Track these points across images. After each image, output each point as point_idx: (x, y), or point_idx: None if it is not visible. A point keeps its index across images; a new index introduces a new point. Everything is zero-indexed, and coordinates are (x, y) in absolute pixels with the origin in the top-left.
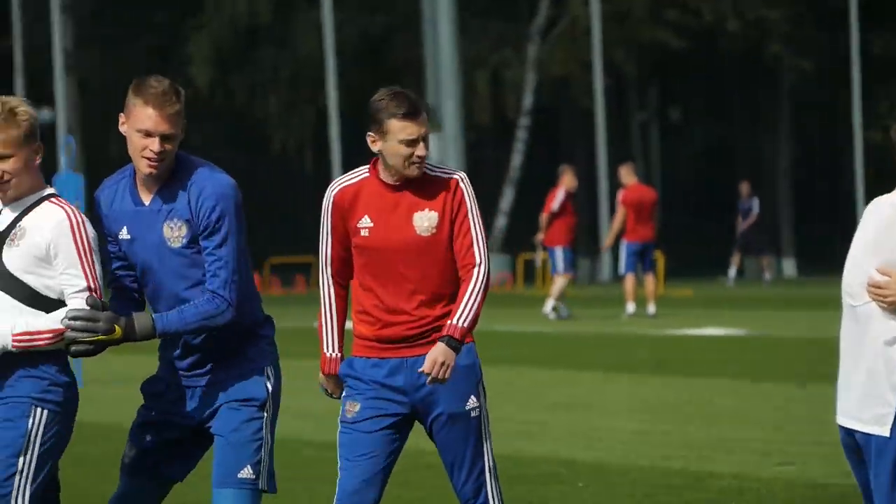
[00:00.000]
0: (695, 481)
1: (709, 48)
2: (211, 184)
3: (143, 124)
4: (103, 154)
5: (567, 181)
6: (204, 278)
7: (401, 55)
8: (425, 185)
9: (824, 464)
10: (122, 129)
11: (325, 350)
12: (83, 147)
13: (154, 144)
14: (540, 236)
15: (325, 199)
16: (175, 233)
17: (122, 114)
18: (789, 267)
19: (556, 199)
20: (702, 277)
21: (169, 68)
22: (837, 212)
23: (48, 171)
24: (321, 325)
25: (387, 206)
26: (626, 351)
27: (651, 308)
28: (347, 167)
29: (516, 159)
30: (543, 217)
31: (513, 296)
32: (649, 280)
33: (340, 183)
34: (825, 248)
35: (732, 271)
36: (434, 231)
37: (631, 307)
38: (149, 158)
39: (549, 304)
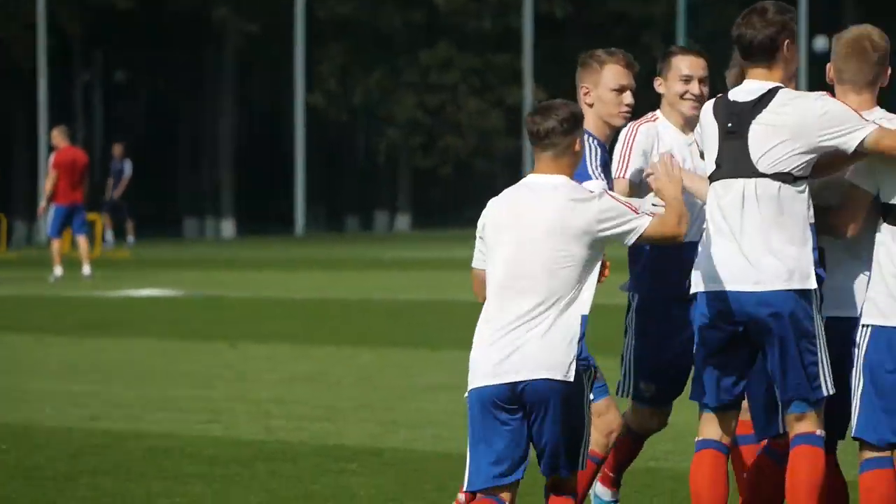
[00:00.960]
0: (119, 441)
1: (155, 10)
2: None
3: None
4: None
5: None
6: None
7: None
8: None
9: (250, 421)
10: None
11: None
12: None
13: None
14: None
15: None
16: None
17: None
18: (228, 228)
19: None
20: (158, 238)
21: None
22: (275, 175)
23: None
24: None
25: None
26: (58, 313)
27: (86, 270)
28: None
29: None
30: None
31: None
32: (82, 242)
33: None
34: (265, 210)
35: (109, 234)
36: None
37: (59, 270)
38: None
39: None
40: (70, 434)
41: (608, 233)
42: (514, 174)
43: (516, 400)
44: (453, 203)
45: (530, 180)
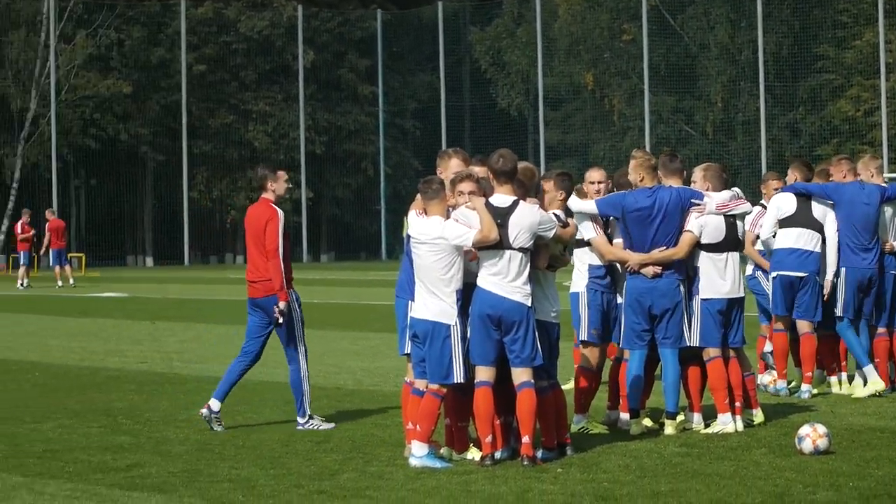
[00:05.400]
0: (92, 372)
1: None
2: None
3: None
4: None
5: None
6: None
7: None
8: None
9: (161, 362)
10: None
11: None
12: None
13: None
14: None
15: None
16: None
17: None
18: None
19: None
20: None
21: None
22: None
23: None
24: None
25: None
26: (63, 304)
27: (72, 282)
28: None
29: None
30: None
31: None
32: (68, 269)
33: None
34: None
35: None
36: None
37: (59, 282)
38: None
39: None
40: (68, 368)
41: None
42: None
43: None
44: None
45: None
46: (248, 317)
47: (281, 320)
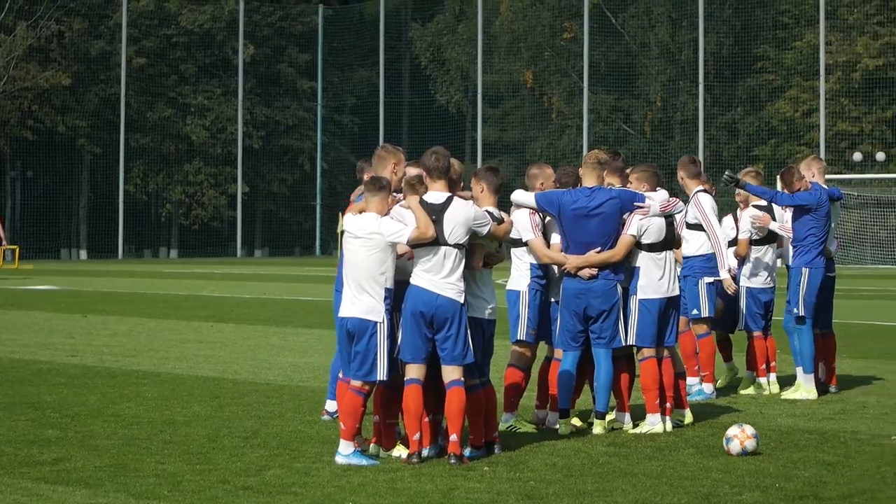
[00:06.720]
0: (22, 365)
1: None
2: None
3: None
4: None
5: None
6: None
7: None
8: None
9: (93, 355)
10: None
11: None
12: None
13: None
14: None
15: None
16: None
17: None
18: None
19: None
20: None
21: None
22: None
23: None
24: None
25: None
26: None
27: None
28: None
29: None
30: None
31: None
32: None
33: None
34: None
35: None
36: None
37: None
38: None
39: None
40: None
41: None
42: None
43: None
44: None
45: None
46: None
47: None
